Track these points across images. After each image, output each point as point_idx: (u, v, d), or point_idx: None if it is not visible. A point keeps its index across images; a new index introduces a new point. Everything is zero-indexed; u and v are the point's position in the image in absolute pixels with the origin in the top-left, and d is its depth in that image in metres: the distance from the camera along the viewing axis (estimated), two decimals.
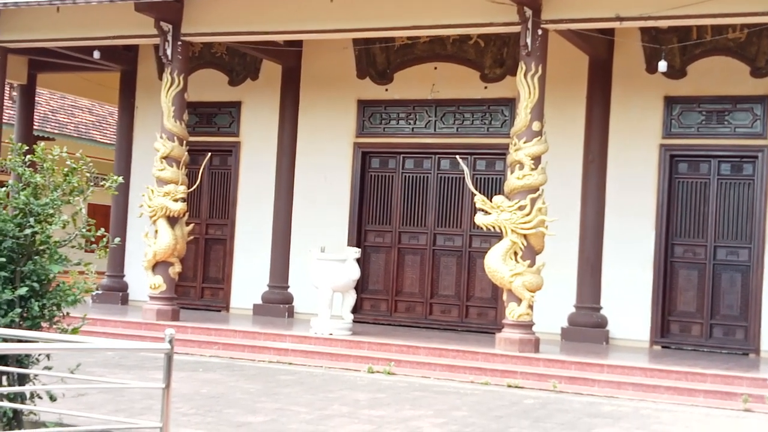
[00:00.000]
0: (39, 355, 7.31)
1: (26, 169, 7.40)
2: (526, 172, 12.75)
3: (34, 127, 20.96)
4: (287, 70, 17.12)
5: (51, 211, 7.24)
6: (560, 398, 11.31)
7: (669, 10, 12.35)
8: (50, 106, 25.70)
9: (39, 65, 19.19)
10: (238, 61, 17.69)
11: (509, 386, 11.98)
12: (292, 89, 17.10)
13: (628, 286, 14.79)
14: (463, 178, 14.65)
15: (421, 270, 16.43)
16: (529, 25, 12.85)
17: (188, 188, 15.12)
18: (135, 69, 18.52)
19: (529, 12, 12.85)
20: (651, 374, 11.99)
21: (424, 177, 16.56)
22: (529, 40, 12.85)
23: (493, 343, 13.11)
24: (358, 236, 16.67)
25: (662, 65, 14.23)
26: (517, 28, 13.08)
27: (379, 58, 16.69)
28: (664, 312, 14.76)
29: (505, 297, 12.95)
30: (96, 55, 17.06)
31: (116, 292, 17.82)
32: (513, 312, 12.74)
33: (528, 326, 12.81)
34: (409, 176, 16.67)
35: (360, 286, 15.61)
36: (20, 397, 7.06)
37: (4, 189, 7.45)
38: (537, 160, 12.85)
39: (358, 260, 14.30)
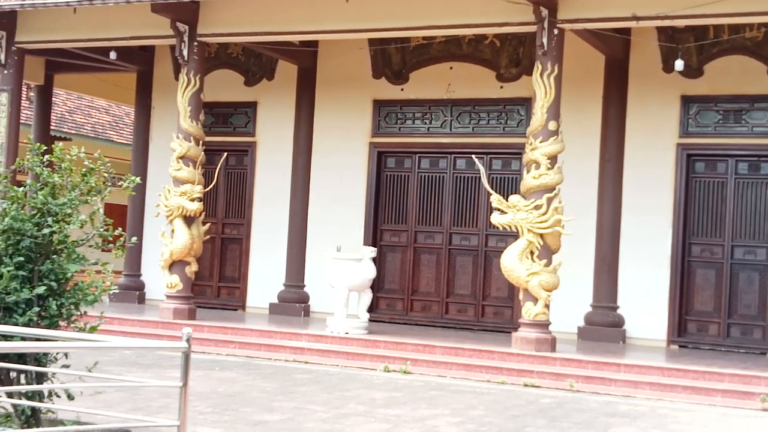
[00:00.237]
0: (57, 353, 7.35)
1: (44, 169, 7.44)
2: (543, 171, 12.73)
3: (51, 127, 21.07)
4: (303, 71, 17.14)
5: (69, 211, 7.28)
6: (577, 397, 11.28)
7: (686, 10, 12.30)
8: (67, 106, 25.81)
9: (56, 66, 19.28)
10: (254, 62, 17.73)
11: (525, 385, 11.97)
12: (307, 89, 17.12)
13: (645, 285, 14.75)
14: (479, 177, 14.64)
15: (437, 269, 16.43)
16: (545, 24, 12.83)
17: (204, 188, 15.16)
18: (151, 69, 18.58)
19: (545, 12, 12.84)
20: (668, 374, 11.95)
21: (439, 176, 16.55)
22: (545, 40, 12.83)
23: (509, 342, 13.10)
24: (373, 235, 16.68)
25: (679, 64, 14.18)
26: (533, 28, 13.07)
27: (394, 58, 16.69)
28: (681, 311, 14.72)
29: (521, 296, 12.94)
30: (112, 55, 17.14)
31: (133, 291, 17.89)
32: (529, 311, 12.72)
33: (544, 325, 12.80)
34: (424, 176, 16.67)
35: (376, 286, 15.61)
36: (38, 396, 7.10)
37: (22, 189, 7.49)
38: (553, 159, 12.83)
39: (373, 259, 14.31)
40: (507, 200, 12.91)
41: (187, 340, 5.77)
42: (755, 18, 12.91)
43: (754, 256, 14.52)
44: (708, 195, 14.80)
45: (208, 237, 15.71)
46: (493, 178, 15.44)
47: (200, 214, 15.12)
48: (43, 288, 7.06)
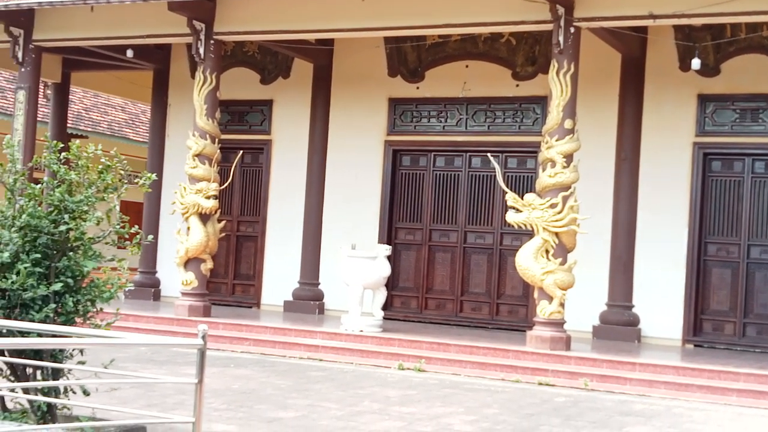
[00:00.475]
0: (73, 350, 7.38)
1: (61, 166, 7.47)
2: (558, 170, 12.71)
3: (68, 125, 21.16)
4: (319, 69, 17.16)
5: (85, 208, 7.31)
6: (592, 396, 11.27)
7: (702, 8, 12.24)
8: (84, 104, 25.91)
9: (73, 64, 19.37)
10: (270, 60, 17.76)
11: (540, 384, 11.96)
12: (323, 87, 17.15)
13: (660, 284, 14.71)
14: (494, 175, 14.63)
15: (452, 267, 16.42)
16: (562, 23, 12.80)
17: (220, 185, 15.20)
18: (168, 67, 18.65)
19: (561, 10, 12.81)
20: (683, 373, 11.92)
21: (455, 175, 16.54)
22: (561, 38, 12.80)
23: (524, 340, 13.09)
24: (388, 233, 16.69)
25: (696, 63, 14.14)
26: (549, 26, 13.04)
27: (410, 56, 16.69)
28: (696, 310, 14.67)
29: (536, 295, 12.92)
30: (129, 53, 17.22)
31: (148, 288, 17.96)
32: (544, 310, 12.70)
33: (559, 324, 12.78)
34: (440, 174, 16.67)
35: (390, 284, 15.62)
36: (54, 392, 7.13)
37: (39, 186, 7.53)
38: (569, 158, 12.81)
39: (388, 257, 14.32)
40: (522, 199, 12.89)
41: (203, 337, 5.79)
42: None
43: None
44: (724, 194, 14.74)
45: (223, 234, 15.76)
46: (508, 176, 15.42)
47: (216, 212, 15.15)
48: (60, 285, 7.09)
